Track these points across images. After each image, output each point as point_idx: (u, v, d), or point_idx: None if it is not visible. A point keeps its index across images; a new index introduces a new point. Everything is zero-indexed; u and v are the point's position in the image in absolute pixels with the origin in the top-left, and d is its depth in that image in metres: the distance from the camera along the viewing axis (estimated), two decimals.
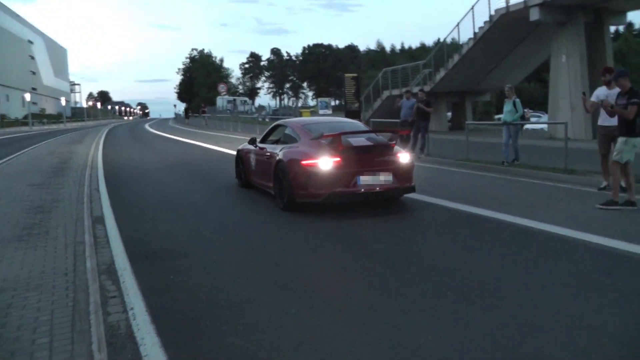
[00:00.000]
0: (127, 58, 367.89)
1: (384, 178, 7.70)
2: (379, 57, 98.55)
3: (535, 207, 8.04)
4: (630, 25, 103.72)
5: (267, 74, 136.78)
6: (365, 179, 7.55)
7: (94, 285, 4.66)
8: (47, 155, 19.82)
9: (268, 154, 8.98)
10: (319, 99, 47.30)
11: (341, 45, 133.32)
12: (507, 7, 21.16)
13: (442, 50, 26.63)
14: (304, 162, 7.63)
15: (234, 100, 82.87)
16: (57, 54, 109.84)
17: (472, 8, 23.49)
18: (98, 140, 29.43)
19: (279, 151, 8.43)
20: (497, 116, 41.97)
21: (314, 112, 37.78)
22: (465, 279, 4.81)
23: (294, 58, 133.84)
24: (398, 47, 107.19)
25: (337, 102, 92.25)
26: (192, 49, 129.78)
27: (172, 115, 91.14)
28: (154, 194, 10.33)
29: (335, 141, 7.68)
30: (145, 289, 4.69)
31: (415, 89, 19.16)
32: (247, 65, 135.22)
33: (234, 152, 11.59)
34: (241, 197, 9.76)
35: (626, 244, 5.76)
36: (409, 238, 6.40)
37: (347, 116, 25.92)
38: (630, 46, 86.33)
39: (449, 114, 31.90)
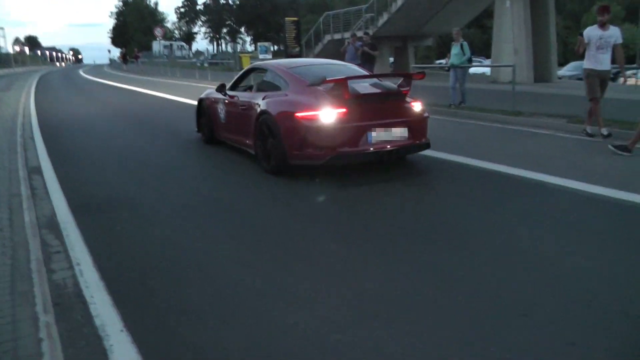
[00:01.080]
0: (57, 0, 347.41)
1: (399, 133, 6.40)
2: (319, 2, 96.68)
3: (492, 149, 8.08)
4: None
5: (203, 18, 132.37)
6: (377, 135, 6.21)
7: (35, 241, 4.31)
8: None
9: (244, 104, 7.46)
10: (259, 44, 46.15)
11: None
12: None
13: None
14: (299, 115, 6.15)
15: (171, 45, 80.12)
16: None
17: None
18: (29, 87, 27.59)
19: (261, 100, 6.89)
20: (437, 61, 42.23)
21: (253, 57, 36.85)
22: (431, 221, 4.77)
23: (230, 2, 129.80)
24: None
25: (276, 47, 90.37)
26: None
27: (107, 62, 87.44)
28: (95, 143, 9.64)
29: (339, 88, 6.22)
30: (92, 243, 4.36)
31: (360, 33, 18.75)
32: (182, 9, 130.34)
33: (180, 99, 10.87)
34: (203, 151, 8.60)
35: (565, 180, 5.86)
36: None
37: None
38: None
39: (391, 58, 31.79)
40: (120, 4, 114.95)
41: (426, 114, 6.84)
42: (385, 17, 25.53)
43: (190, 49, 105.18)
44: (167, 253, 4.18)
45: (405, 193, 5.79)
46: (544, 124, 10.08)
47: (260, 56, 36.99)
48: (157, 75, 36.46)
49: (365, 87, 6.60)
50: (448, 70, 13.80)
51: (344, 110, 6.07)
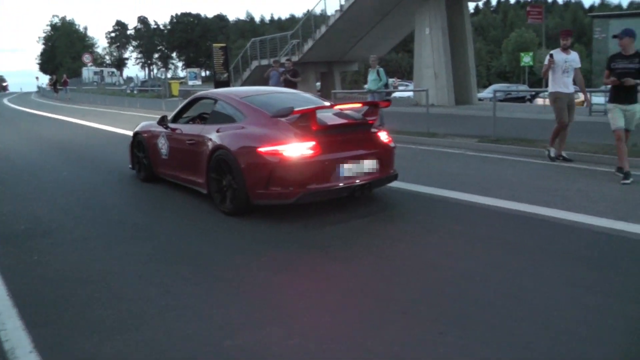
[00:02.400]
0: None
1: (370, 165, 6.03)
2: (249, 27, 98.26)
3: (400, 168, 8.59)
4: (488, 2, 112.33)
5: (134, 43, 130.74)
6: (348, 169, 5.79)
7: None
8: None
9: (192, 138, 6.79)
10: (188, 70, 46.14)
11: (210, 15, 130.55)
12: None
13: (310, 21, 27.02)
14: (263, 150, 5.61)
15: (101, 71, 78.62)
16: None
17: None
18: None
19: (215, 134, 6.29)
20: (366, 85, 43.14)
21: (183, 83, 36.79)
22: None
23: (162, 27, 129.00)
24: (268, 17, 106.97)
25: (207, 72, 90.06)
26: (54, 16, 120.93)
27: (35, 89, 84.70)
28: (18, 176, 9.32)
29: (305, 119, 5.75)
30: (7, 272, 4.50)
31: (283, 59, 19.22)
32: (113, 34, 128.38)
33: (109, 129, 9.73)
34: (137, 188, 7.99)
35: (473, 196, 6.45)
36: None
37: (216, 87, 25.54)
38: (488, 21, 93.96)
39: (318, 83, 32.54)
40: (49, 28, 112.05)
41: (393, 144, 6.53)
42: (310, 43, 26.33)
43: (121, 75, 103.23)
44: (80, 276, 4.38)
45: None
46: (456, 143, 10.79)
47: (190, 82, 37.01)
48: (86, 103, 35.86)
49: (330, 117, 6.16)
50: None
51: (313, 143, 5.61)
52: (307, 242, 5.12)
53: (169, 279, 4.25)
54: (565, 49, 8.50)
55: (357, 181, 5.85)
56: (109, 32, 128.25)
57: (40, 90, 70.86)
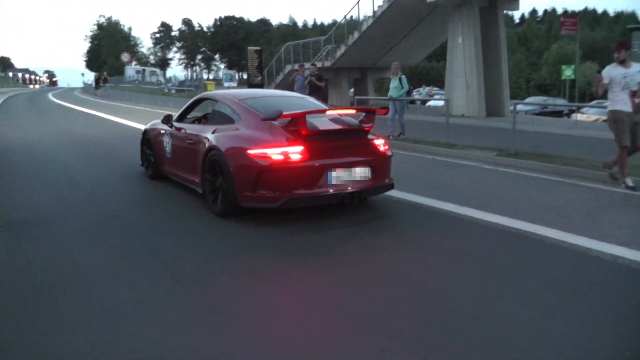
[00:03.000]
0: (34, 23, 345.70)
1: (362, 173, 5.89)
2: (291, 32, 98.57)
3: (403, 177, 8.38)
4: (534, 11, 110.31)
5: (178, 44, 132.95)
6: (337, 175, 5.67)
7: None
8: None
9: (192, 137, 6.83)
10: (225, 72, 46.62)
11: (253, 19, 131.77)
12: None
13: (343, 27, 26.93)
14: (252, 152, 5.57)
15: (143, 70, 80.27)
16: None
17: None
18: None
19: (211, 135, 6.30)
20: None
21: (219, 85, 37.19)
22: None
23: (205, 29, 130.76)
24: (310, 22, 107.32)
25: (245, 75, 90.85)
26: (100, 16, 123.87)
27: (81, 85, 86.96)
28: (33, 167, 9.60)
29: (296, 123, 5.66)
30: None
31: (307, 65, 19.08)
32: (158, 35, 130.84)
33: (133, 124, 9.80)
34: (142, 185, 8.01)
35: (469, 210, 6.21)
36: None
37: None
38: (532, 31, 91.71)
39: (352, 90, 32.38)
40: (96, 27, 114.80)
41: (390, 153, 6.38)
42: (342, 49, 26.17)
43: (164, 74, 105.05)
44: (57, 268, 4.42)
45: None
46: (473, 156, 10.49)
47: (225, 84, 37.43)
48: (122, 100, 36.51)
49: (324, 122, 6.01)
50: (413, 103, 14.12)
51: (301, 147, 5.53)
52: (287, 248, 5.02)
53: (138, 277, 4.26)
54: (622, 62, 7.53)
55: (349, 189, 5.72)
56: (154, 33, 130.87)
57: (85, 87, 72.62)
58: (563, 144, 12.45)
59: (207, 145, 6.25)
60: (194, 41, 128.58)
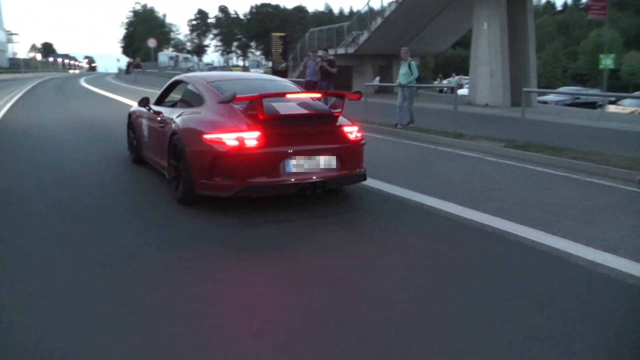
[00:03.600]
0: (75, 10, 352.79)
1: (326, 162, 5.46)
2: (327, 19, 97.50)
3: (393, 167, 7.93)
4: None
5: (214, 31, 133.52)
6: (297, 164, 5.28)
7: None
8: None
9: (162, 121, 6.51)
10: (251, 58, 46.39)
11: (289, 6, 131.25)
12: None
13: (367, 13, 26.31)
14: (207, 137, 5.22)
15: (177, 56, 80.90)
16: None
17: None
18: (17, 93, 27.85)
19: (176, 118, 5.99)
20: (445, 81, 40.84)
21: (245, 71, 36.96)
22: None
23: (241, 17, 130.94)
24: (347, 10, 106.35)
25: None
26: (136, 2, 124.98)
27: (116, 70, 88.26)
28: (29, 149, 9.59)
29: (253, 107, 5.29)
30: None
31: (321, 52, 18.43)
32: (194, 22, 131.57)
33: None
34: (125, 169, 7.81)
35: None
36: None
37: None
38: (574, 19, 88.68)
39: (378, 78, 31.71)
40: (132, 14, 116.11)
41: (362, 141, 5.91)
42: (365, 35, 25.53)
43: (200, 60, 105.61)
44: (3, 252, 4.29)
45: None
46: (479, 147, 9.91)
47: (252, 70, 37.11)
48: (149, 85, 36.51)
49: (289, 107, 5.61)
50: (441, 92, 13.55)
51: (258, 133, 5.14)
52: (235, 240, 4.66)
53: (71, 265, 4.08)
54: None
55: (313, 178, 5.31)
56: (191, 20, 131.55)
57: (119, 72, 73.51)
58: (583, 136, 11.67)
59: (172, 128, 5.97)
60: (229, 28, 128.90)
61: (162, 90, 7.66)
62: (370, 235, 4.89)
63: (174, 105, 7.27)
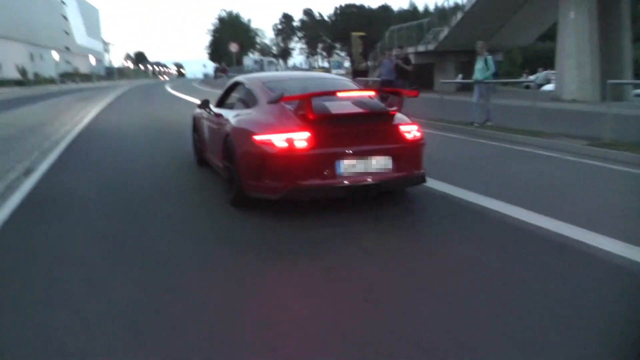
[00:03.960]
0: (165, 20, 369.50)
1: (380, 163, 5.12)
2: (411, 17, 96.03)
3: (459, 167, 7.47)
4: None
5: (299, 34, 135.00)
6: (349, 165, 4.98)
7: None
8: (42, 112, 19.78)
9: (219, 122, 6.48)
10: (332, 59, 46.27)
11: (374, 6, 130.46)
12: None
13: (448, 7, 25.53)
14: (257, 139, 5.05)
15: (261, 60, 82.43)
16: (90, 14, 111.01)
17: None
18: (108, 98, 29.37)
19: (232, 119, 5.95)
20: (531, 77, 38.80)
21: (326, 72, 36.92)
22: None
23: (326, 19, 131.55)
24: (432, 7, 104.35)
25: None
26: (221, 10, 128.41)
27: (202, 76, 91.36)
28: (99, 148, 10.11)
29: (303, 107, 5.08)
30: None
31: (395, 50, 17.90)
32: (279, 26, 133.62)
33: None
34: (188, 172, 7.79)
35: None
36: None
37: (354, 76, 25.10)
38: None
39: (460, 75, 30.69)
40: (217, 21, 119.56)
41: (422, 141, 5.53)
42: (446, 30, 24.71)
43: (286, 64, 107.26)
44: (24, 247, 4.45)
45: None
46: (559, 145, 9.19)
47: (333, 71, 37.01)
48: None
49: (341, 106, 5.33)
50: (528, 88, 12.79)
51: (307, 134, 4.91)
52: (277, 244, 4.46)
53: (104, 265, 4.06)
54: None
55: (368, 180, 4.99)
56: (276, 25, 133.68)
57: (206, 77, 75.77)
58: None
59: (225, 129, 5.91)
60: (314, 31, 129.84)
61: (223, 92, 7.56)
62: (422, 243, 4.52)
63: (232, 106, 7.12)
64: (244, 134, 5.36)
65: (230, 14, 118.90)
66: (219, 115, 6.65)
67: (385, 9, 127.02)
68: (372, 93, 5.73)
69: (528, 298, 3.35)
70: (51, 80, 67.20)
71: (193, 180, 7.28)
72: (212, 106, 7.29)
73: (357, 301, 3.34)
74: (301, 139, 4.90)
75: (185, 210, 5.74)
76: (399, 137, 5.32)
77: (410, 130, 5.41)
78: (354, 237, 4.56)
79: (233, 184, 5.51)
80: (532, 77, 35.84)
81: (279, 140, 4.92)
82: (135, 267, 3.99)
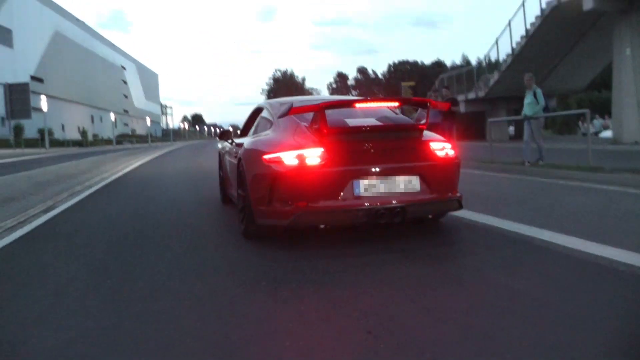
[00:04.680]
0: (222, 82, 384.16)
1: (405, 184, 4.42)
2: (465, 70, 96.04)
3: (505, 201, 6.68)
4: None
5: (354, 92, 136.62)
6: (369, 185, 4.32)
7: None
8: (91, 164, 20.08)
9: (237, 150, 5.82)
10: None
11: (427, 62, 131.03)
12: None
13: (497, 53, 24.85)
14: (266, 157, 4.49)
15: None
16: (149, 79, 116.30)
17: (523, 4, 21.53)
18: (156, 152, 29.87)
19: (247, 143, 5.48)
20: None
21: None
22: None
23: (380, 76, 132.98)
24: (484, 60, 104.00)
25: None
26: (276, 70, 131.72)
27: None
28: (132, 191, 9.89)
29: (316, 120, 4.55)
30: None
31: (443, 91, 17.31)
32: (334, 85, 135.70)
33: None
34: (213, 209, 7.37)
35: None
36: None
37: None
38: None
39: (511, 128, 29.57)
40: (271, 81, 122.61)
41: (456, 160, 4.82)
42: (496, 76, 23.98)
43: None
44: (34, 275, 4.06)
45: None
46: (620, 179, 8.23)
47: None
48: None
49: (361, 119, 4.81)
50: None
51: (320, 150, 4.30)
52: (279, 276, 3.77)
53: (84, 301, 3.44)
54: None
55: (393, 202, 4.27)
56: (331, 84, 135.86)
57: None
58: None
59: (239, 155, 5.41)
60: (369, 88, 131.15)
61: (245, 121, 7.06)
62: (453, 272, 3.77)
63: (253, 133, 6.65)
64: (255, 155, 4.80)
65: (284, 73, 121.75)
66: (239, 145, 5.97)
67: (438, 64, 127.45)
68: (395, 104, 5.09)
69: (586, 332, 2.58)
70: (108, 141, 69.78)
71: (211, 215, 6.86)
72: (235, 138, 6.80)
73: (360, 336, 2.65)
74: (314, 156, 4.28)
75: (192, 241, 5.20)
76: (429, 154, 4.62)
77: (443, 148, 4.71)
78: (372, 268, 3.88)
79: (245, 213, 4.91)
80: (587, 125, 34.49)
81: (288, 157, 4.32)
82: (117, 295, 3.46)
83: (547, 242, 4.39)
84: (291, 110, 4.67)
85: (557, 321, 2.73)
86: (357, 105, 4.76)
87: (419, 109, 5.10)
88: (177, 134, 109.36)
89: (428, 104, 4.89)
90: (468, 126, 25.77)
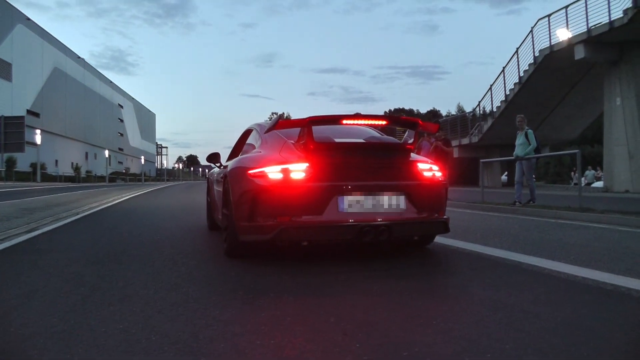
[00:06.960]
0: (218, 126, 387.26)
1: (391, 202, 4.37)
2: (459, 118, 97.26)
3: (495, 234, 6.59)
4: None
5: None
6: (354, 202, 4.27)
7: None
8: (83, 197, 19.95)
9: (224, 170, 5.75)
10: None
11: (423, 110, 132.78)
12: (551, 46, 19.46)
13: (490, 102, 25.14)
14: (250, 172, 4.46)
15: None
16: (146, 118, 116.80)
17: (517, 51, 21.91)
18: (147, 189, 29.72)
19: (233, 162, 5.45)
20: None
21: None
22: None
23: None
24: (479, 110, 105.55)
25: None
26: (272, 113, 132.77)
27: None
28: (124, 220, 9.57)
29: (303, 135, 4.53)
30: None
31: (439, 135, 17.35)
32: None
33: None
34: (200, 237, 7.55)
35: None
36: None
37: None
38: None
39: (505, 176, 29.65)
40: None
41: (443, 182, 4.80)
42: (489, 122, 24.19)
43: None
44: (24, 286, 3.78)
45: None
46: (610, 219, 8.20)
47: None
48: None
49: (348, 136, 4.95)
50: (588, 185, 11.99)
51: (305, 164, 4.28)
52: (255, 286, 3.66)
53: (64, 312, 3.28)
54: None
55: (378, 220, 4.22)
56: None
57: None
58: None
59: (224, 174, 5.33)
60: None
61: (234, 144, 6.99)
62: (438, 287, 3.68)
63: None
64: (240, 171, 4.72)
65: (281, 116, 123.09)
66: (227, 167, 5.89)
67: (434, 113, 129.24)
68: (383, 122, 5.04)
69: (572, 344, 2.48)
70: (101, 178, 69.57)
71: (196, 239, 6.66)
72: (224, 161, 6.73)
73: (336, 334, 2.53)
74: (298, 170, 4.26)
75: (173, 258, 5.02)
76: (416, 174, 4.61)
77: (430, 169, 4.72)
78: (352, 282, 3.79)
79: (228, 230, 4.81)
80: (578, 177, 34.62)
81: (273, 172, 4.30)
82: (87, 300, 3.32)
83: (534, 266, 4.34)
84: (278, 124, 4.66)
85: (541, 327, 2.64)
86: (345, 121, 4.69)
87: (407, 131, 5.00)
88: (171, 173, 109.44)
89: (417, 124, 4.84)
90: (461, 172, 25.85)
